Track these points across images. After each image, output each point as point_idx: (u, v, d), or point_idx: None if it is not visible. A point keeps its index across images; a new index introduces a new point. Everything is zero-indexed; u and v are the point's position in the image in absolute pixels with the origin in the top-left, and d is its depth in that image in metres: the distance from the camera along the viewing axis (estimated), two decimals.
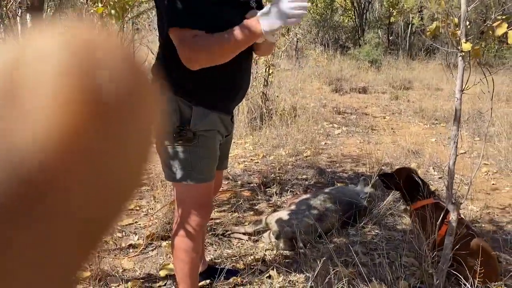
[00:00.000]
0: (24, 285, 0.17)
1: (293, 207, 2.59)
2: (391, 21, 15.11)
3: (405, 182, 2.28)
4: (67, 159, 0.17)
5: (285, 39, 8.87)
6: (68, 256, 0.19)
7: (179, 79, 1.46)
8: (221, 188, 3.34)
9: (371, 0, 17.04)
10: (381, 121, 5.83)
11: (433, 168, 3.80)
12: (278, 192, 3.17)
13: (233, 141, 4.56)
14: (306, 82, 8.41)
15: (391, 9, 14.64)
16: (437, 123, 5.67)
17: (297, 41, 11.86)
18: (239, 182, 3.43)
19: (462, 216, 2.25)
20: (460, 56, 1.84)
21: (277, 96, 6.40)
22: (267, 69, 5.81)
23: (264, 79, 5.89)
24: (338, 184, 3.37)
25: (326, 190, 2.85)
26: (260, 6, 1.53)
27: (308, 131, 4.69)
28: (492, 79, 1.86)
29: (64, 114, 0.16)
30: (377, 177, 2.55)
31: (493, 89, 1.86)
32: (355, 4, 16.28)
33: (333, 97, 7.43)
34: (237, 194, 3.17)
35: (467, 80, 1.88)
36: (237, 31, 1.33)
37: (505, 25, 1.80)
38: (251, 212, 2.88)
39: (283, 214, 2.52)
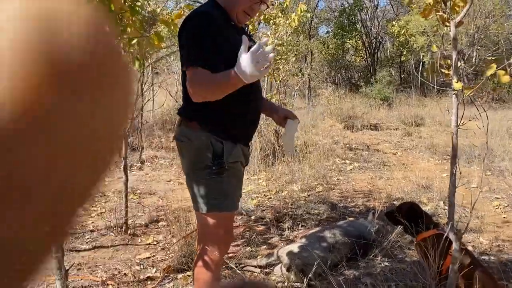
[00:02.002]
0: None
1: (304, 240, 2.68)
2: (402, 59, 15.43)
3: (406, 215, 2.37)
4: (26, 124, 0.17)
5: (297, 79, 9.18)
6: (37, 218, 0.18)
7: (211, 117, 1.64)
8: (235, 223, 3.47)
9: (382, 40, 17.47)
10: (392, 157, 5.92)
11: (443, 203, 3.86)
12: (290, 226, 3.27)
13: (246, 177, 4.75)
14: (318, 119, 8.61)
15: (401, 48, 14.98)
16: (448, 159, 5.72)
17: (309, 81, 12.19)
18: (253, 217, 3.54)
19: (467, 247, 2.32)
20: (454, 94, 1.98)
21: None
22: None
23: None
24: (349, 219, 3.45)
25: (336, 224, 2.94)
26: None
27: (320, 167, 4.81)
28: (487, 115, 1.99)
29: (22, 81, 0.16)
30: (384, 215, 2.65)
31: (487, 124, 1.98)
32: (366, 44, 16.72)
33: (345, 134, 7.57)
34: (251, 228, 3.28)
35: (462, 116, 2.01)
36: (224, 76, 1.52)
37: (494, 65, 1.95)
38: (264, 246, 2.98)
39: (294, 247, 2.61)
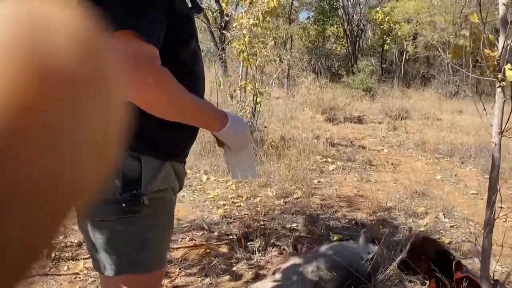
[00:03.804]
0: None
1: (278, 276, 2.04)
2: (384, 48, 14.90)
3: (434, 263, 1.72)
4: (15, 129, 0.16)
5: (276, 66, 8.48)
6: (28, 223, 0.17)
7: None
8: (194, 242, 2.80)
9: (364, 28, 16.93)
10: (379, 155, 5.34)
11: (443, 215, 3.28)
12: (261, 247, 2.62)
13: (214, 179, 4.07)
14: (297, 111, 7.98)
15: (384, 36, 14.43)
16: (440, 157, 5.19)
17: (288, 69, 11.52)
18: (216, 233, 2.87)
19: None
20: (500, 87, 1.34)
21: (266, 127, 5.92)
22: (255, 97, 5.34)
23: (251, 108, 5.42)
24: (334, 237, 2.83)
25: (320, 249, 2.31)
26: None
27: (299, 168, 4.18)
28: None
29: (9, 89, 0.16)
30: (397, 268, 1.98)
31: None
32: (347, 32, 16.12)
33: (326, 127, 6.96)
34: (212, 250, 2.62)
35: (508, 119, 1.38)
36: (206, 107, 1.01)
37: None
38: (227, 276, 2.33)
39: (266, 286, 1.97)
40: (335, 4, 15.49)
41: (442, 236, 2.91)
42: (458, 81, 11.77)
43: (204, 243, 2.72)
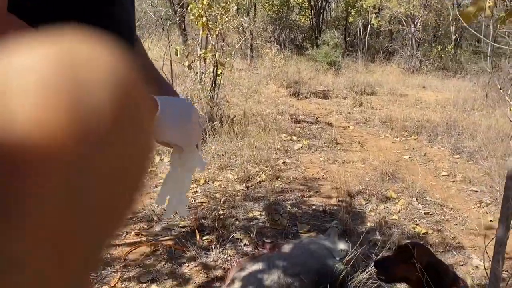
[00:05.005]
0: None
1: (236, 285, 1.71)
2: (349, 21, 14.61)
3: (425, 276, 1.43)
4: (42, 162, 0.16)
5: (239, 37, 8.00)
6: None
7: None
8: (140, 236, 2.42)
9: None
10: (345, 132, 5.08)
11: (416, 200, 3.05)
12: (219, 242, 2.28)
13: (167, 160, 3.66)
14: (261, 84, 7.59)
15: (349, 8, 14.12)
16: (407, 136, 5.00)
17: (251, 39, 11.03)
18: (167, 225, 2.50)
19: None
20: None
21: (227, 102, 5.52)
22: (215, 68, 4.90)
23: (212, 80, 4.98)
24: (301, 229, 2.53)
25: (287, 248, 1.99)
26: None
27: (263, 148, 3.84)
28: None
29: (44, 130, 0.16)
30: (373, 266, 1.68)
31: None
32: (312, 2, 15.67)
33: (291, 102, 6.64)
34: (160, 247, 2.25)
35: None
36: None
37: None
38: (174, 282, 1.97)
39: None
40: None
41: (416, 225, 2.67)
42: (420, 56, 11.71)
43: (152, 239, 2.35)
